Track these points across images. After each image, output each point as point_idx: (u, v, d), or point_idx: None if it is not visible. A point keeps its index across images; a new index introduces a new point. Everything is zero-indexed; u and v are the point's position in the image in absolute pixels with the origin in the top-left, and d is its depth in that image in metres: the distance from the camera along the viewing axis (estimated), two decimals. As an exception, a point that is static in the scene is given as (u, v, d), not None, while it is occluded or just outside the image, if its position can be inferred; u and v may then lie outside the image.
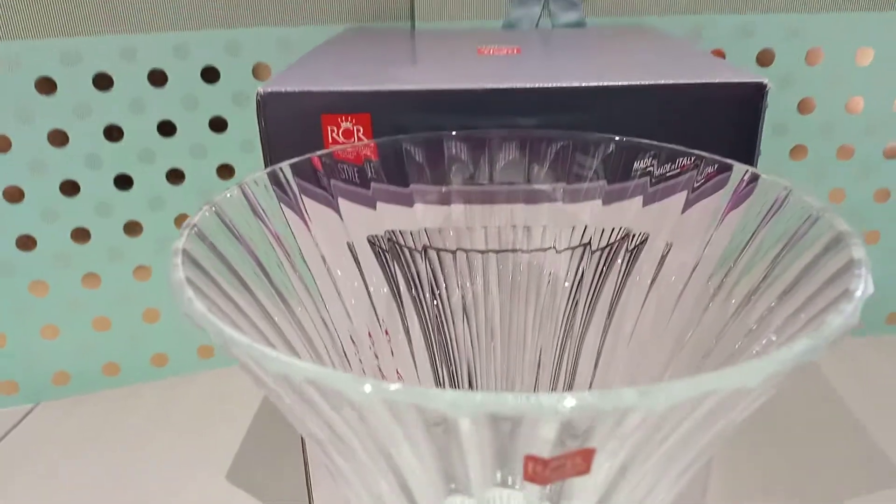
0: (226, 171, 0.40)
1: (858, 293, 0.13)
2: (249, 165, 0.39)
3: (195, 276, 0.15)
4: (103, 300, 0.40)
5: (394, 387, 0.10)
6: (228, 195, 0.18)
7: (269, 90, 0.23)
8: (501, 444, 0.11)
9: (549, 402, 0.10)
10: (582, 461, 0.11)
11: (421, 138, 0.23)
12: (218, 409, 0.40)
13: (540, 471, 0.11)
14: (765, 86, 0.23)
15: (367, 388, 0.10)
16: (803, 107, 0.40)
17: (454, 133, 0.24)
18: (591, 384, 0.25)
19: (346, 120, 0.24)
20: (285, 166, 0.21)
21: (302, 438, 0.29)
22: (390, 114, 0.24)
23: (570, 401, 0.10)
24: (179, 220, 0.40)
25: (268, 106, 0.24)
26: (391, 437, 0.11)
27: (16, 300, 0.39)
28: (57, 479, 0.35)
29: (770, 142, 0.41)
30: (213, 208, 0.18)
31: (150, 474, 0.35)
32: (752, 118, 0.23)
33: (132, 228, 0.39)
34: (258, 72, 0.38)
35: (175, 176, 0.39)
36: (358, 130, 0.24)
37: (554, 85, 0.23)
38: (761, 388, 0.11)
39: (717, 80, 0.23)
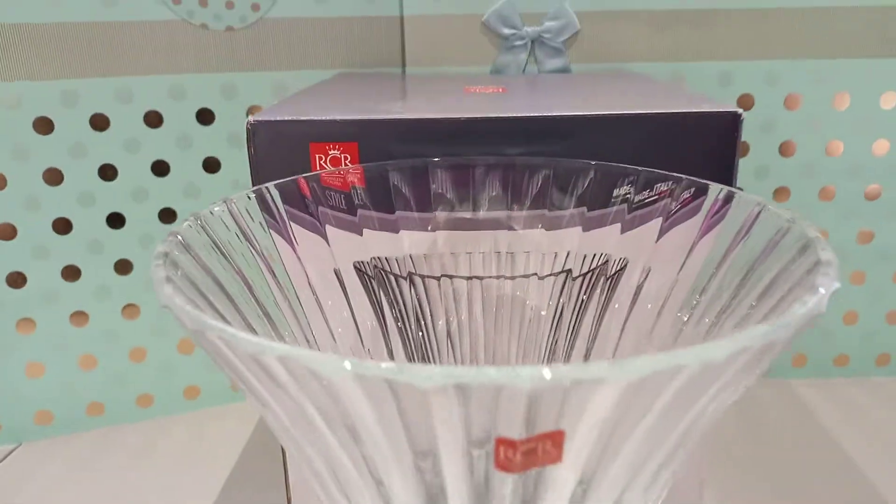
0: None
1: (822, 289, 0.13)
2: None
3: (180, 281, 0.15)
4: (90, 338, 0.40)
5: (368, 364, 0.10)
6: (214, 209, 0.19)
7: (259, 119, 0.24)
8: (475, 424, 0.11)
9: (524, 372, 0.10)
10: (553, 446, 0.12)
11: (407, 164, 0.24)
12: (202, 450, 0.39)
13: (511, 456, 0.11)
14: (739, 115, 0.24)
15: (347, 365, 0.10)
16: (784, 150, 0.41)
17: (437, 160, 0.24)
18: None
19: (334, 148, 0.24)
20: (272, 187, 0.21)
21: (286, 475, 0.29)
22: (377, 142, 0.24)
23: (542, 372, 0.10)
24: (170, 258, 0.40)
25: (257, 134, 0.24)
26: (360, 416, 0.11)
27: (2, 337, 0.39)
28: (35, 519, 0.34)
29: (753, 184, 0.42)
30: (199, 221, 0.18)
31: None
32: (729, 147, 0.24)
33: (123, 267, 0.40)
34: (253, 113, 0.39)
35: (167, 215, 0.40)
36: (345, 159, 0.25)
37: (536, 115, 0.24)
38: (729, 365, 0.11)
39: (694, 110, 0.24)
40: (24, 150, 0.37)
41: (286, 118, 0.24)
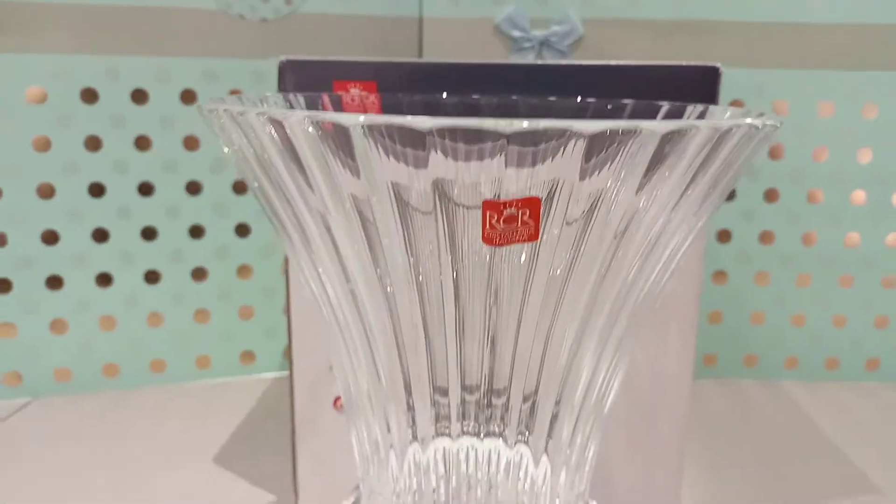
0: (241, 186, 0.43)
1: (749, 119, 0.15)
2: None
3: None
4: (112, 301, 0.42)
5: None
6: (244, 100, 0.21)
7: (289, 59, 0.27)
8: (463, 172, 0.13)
9: (499, 123, 0.12)
10: (530, 217, 0.14)
11: (420, 100, 0.27)
12: (209, 417, 0.41)
13: (495, 223, 0.14)
14: (718, 68, 0.26)
15: (361, 118, 0.13)
16: (773, 153, 0.44)
17: (447, 98, 0.27)
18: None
19: (355, 86, 0.27)
20: (300, 95, 0.24)
21: (292, 431, 0.30)
22: (394, 84, 0.27)
23: (519, 123, 0.12)
24: (193, 229, 0.43)
25: (286, 72, 0.27)
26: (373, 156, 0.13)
27: (32, 293, 0.41)
28: (43, 469, 0.36)
29: (744, 185, 0.44)
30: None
31: (137, 463, 0.36)
32: (710, 99, 0.27)
33: (148, 234, 0.42)
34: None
35: (193, 187, 0.43)
36: (365, 97, 0.27)
37: (540, 63, 0.27)
38: (651, 136, 0.13)
39: (677, 64, 0.27)
40: (69, 118, 0.40)
41: (313, 58, 0.27)
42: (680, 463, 0.30)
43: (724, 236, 0.45)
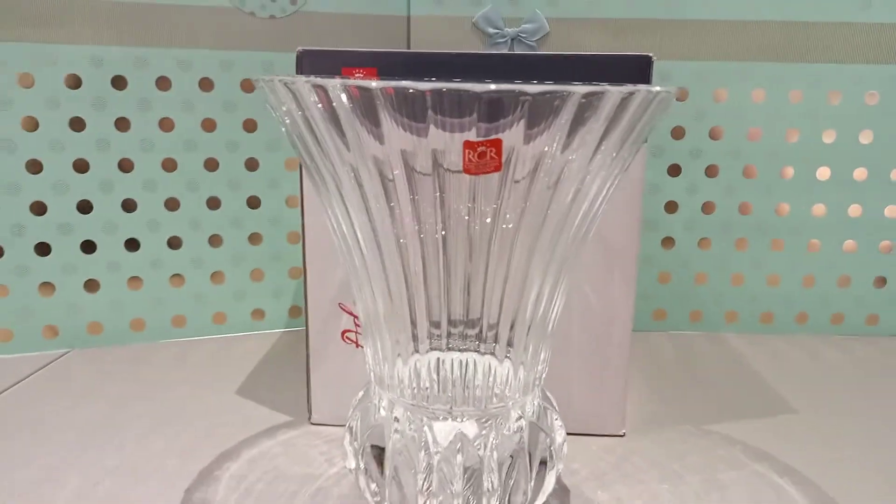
0: (253, 163, 0.49)
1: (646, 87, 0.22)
2: (276, 161, 0.49)
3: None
4: (139, 263, 0.48)
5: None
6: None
7: (306, 49, 0.33)
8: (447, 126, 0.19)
9: (473, 86, 0.19)
10: (496, 153, 0.20)
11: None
12: (226, 365, 0.47)
13: (471, 156, 0.20)
14: (650, 57, 0.33)
15: (374, 84, 0.19)
16: (714, 134, 0.51)
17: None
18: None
19: (359, 72, 0.34)
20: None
21: (307, 359, 0.36)
22: (391, 70, 0.34)
23: (487, 86, 0.19)
24: (211, 201, 0.49)
25: (303, 60, 0.33)
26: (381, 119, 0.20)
27: (69, 256, 0.47)
28: (81, 410, 0.42)
29: (689, 161, 0.51)
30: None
31: (167, 399, 0.42)
32: (645, 82, 0.33)
33: (172, 204, 0.48)
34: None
35: (211, 164, 0.49)
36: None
37: (511, 53, 0.33)
38: (576, 97, 0.19)
39: (616, 54, 0.33)
40: (102, 101, 0.46)
41: (325, 49, 0.33)
42: (625, 379, 0.37)
43: (671, 207, 0.52)
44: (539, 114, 0.20)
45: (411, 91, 0.20)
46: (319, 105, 0.21)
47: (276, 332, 0.52)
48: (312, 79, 0.21)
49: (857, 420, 0.40)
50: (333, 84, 0.20)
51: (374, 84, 0.20)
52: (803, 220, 0.52)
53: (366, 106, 0.20)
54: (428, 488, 0.27)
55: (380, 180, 0.23)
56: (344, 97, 0.20)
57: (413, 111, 0.20)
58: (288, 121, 0.23)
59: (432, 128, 0.20)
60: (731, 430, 0.38)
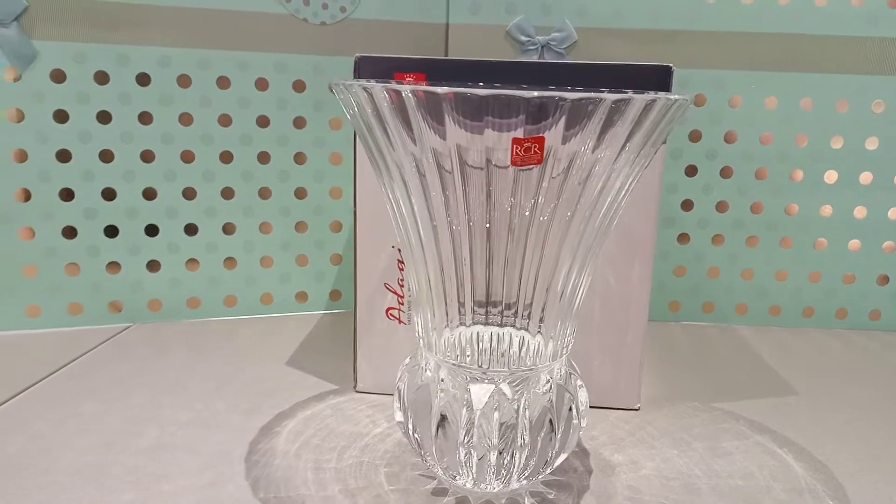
0: (301, 157, 0.54)
1: (663, 95, 0.26)
2: (322, 155, 0.53)
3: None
4: (197, 246, 0.53)
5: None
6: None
7: (363, 55, 0.38)
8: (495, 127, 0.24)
9: (522, 92, 0.23)
10: (539, 149, 0.24)
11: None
12: (276, 336, 0.51)
13: (518, 151, 0.24)
14: (670, 67, 0.37)
15: (440, 90, 0.23)
16: (728, 138, 0.54)
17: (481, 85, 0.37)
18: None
19: (410, 76, 0.38)
20: (372, 82, 0.34)
21: (354, 332, 0.41)
22: (438, 75, 0.38)
23: (531, 93, 0.23)
24: (262, 191, 0.53)
25: (361, 65, 0.38)
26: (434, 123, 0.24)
27: (134, 238, 0.51)
28: (142, 378, 0.46)
29: (705, 163, 0.55)
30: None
31: (220, 369, 0.46)
32: (665, 90, 0.37)
33: (227, 193, 0.53)
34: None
35: (264, 157, 0.53)
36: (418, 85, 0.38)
37: (542, 62, 0.37)
38: (606, 103, 0.23)
39: (644, 63, 0.37)
40: (168, 98, 0.50)
41: (380, 55, 0.38)
42: (641, 357, 0.40)
43: (687, 205, 0.56)
44: (575, 117, 0.24)
45: (470, 96, 0.24)
46: (393, 105, 0.25)
47: (318, 313, 0.56)
48: (387, 84, 0.25)
49: (853, 404, 0.44)
50: (405, 89, 0.24)
51: (440, 90, 0.24)
52: (811, 220, 0.55)
53: (431, 106, 0.25)
54: (468, 441, 0.31)
55: (437, 171, 0.27)
56: (413, 99, 0.25)
57: (470, 112, 0.24)
58: (360, 117, 0.27)
59: (488, 129, 0.24)
60: (736, 407, 0.42)
